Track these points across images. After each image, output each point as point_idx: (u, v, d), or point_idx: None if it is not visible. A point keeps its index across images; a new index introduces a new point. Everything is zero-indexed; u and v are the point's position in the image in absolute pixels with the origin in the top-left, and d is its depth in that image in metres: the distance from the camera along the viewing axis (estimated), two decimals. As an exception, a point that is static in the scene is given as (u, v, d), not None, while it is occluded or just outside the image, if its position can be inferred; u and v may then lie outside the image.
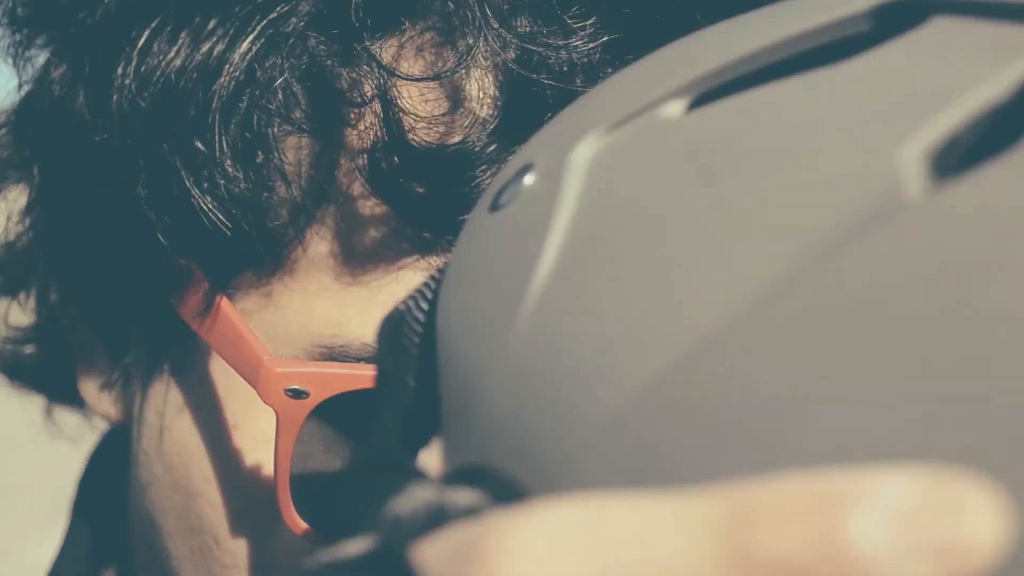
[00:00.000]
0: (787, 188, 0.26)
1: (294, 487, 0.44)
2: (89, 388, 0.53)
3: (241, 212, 0.44)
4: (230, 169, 0.44)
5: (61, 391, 0.58)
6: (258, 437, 0.46)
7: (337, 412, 0.43)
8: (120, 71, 0.45)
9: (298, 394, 0.42)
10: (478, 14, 0.42)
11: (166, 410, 0.49)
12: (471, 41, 0.42)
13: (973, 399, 0.22)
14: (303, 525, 0.44)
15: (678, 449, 0.24)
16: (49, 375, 0.57)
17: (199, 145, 0.44)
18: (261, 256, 0.45)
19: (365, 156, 0.43)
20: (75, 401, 0.57)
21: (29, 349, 0.57)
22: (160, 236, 0.45)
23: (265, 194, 0.44)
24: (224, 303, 0.45)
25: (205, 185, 0.44)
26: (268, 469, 0.45)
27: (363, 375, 0.42)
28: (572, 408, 0.25)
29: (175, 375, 0.49)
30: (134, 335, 0.50)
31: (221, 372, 0.47)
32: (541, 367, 0.26)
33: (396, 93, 0.43)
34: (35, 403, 0.61)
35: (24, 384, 0.59)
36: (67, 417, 0.61)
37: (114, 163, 0.46)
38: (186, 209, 0.44)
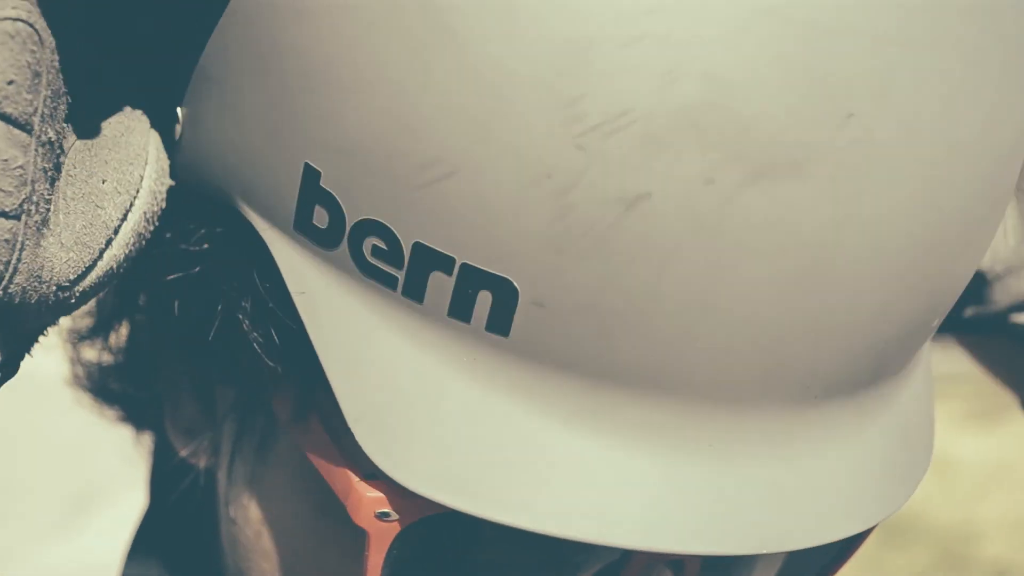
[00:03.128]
0: None
1: None
2: (173, 430, 0.53)
3: None
4: None
5: (146, 421, 0.58)
6: (346, 523, 0.46)
7: (427, 529, 0.44)
8: None
9: (387, 516, 0.43)
10: None
11: (254, 483, 0.50)
12: None
13: None
14: None
15: None
16: (134, 408, 0.58)
17: None
18: None
19: None
20: (158, 429, 0.58)
21: (115, 385, 0.58)
22: (259, 348, 0.46)
23: None
24: (316, 416, 0.45)
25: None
26: (359, 558, 0.46)
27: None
28: None
29: (264, 451, 0.49)
30: (226, 400, 0.51)
31: (305, 458, 0.47)
32: None
33: None
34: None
35: (113, 415, 0.59)
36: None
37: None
38: (285, 332, 0.45)
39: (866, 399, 0.44)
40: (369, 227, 0.40)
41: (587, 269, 0.39)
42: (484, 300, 0.40)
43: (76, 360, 0.58)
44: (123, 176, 0.43)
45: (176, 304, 0.48)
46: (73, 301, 0.41)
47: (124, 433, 0.60)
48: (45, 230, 0.40)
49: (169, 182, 0.45)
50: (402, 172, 0.39)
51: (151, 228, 0.44)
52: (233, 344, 0.47)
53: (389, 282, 0.41)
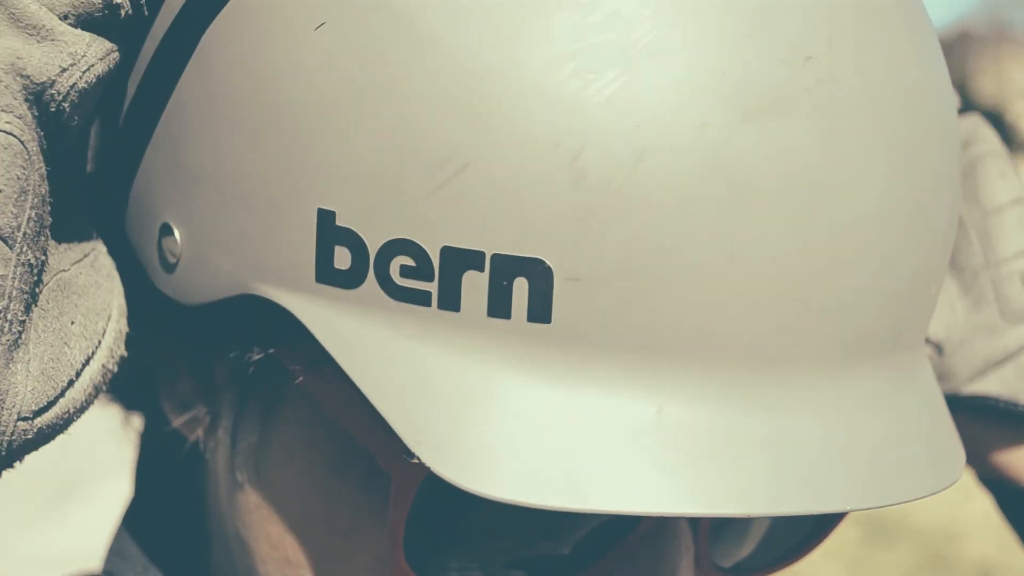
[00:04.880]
0: None
1: (408, 545, 0.45)
2: (169, 404, 0.53)
3: None
4: None
5: (137, 400, 0.58)
6: (360, 480, 0.47)
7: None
8: None
9: (413, 454, 0.42)
10: None
11: (262, 447, 0.49)
12: None
13: None
14: None
15: None
16: (126, 386, 0.57)
17: None
18: None
19: None
20: (148, 409, 0.58)
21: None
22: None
23: None
24: (336, 371, 0.44)
25: None
26: (374, 513, 0.46)
27: None
28: None
29: (270, 413, 0.49)
30: (224, 366, 0.50)
31: (318, 415, 0.47)
32: None
33: None
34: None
35: (103, 396, 0.59)
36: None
37: None
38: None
39: (893, 367, 0.45)
40: (394, 248, 0.41)
41: (611, 231, 0.40)
42: (521, 289, 0.40)
43: None
44: (89, 323, 0.44)
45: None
46: (30, 437, 0.41)
47: (112, 415, 0.59)
48: (15, 353, 0.40)
49: (123, 351, 0.46)
50: (416, 180, 0.40)
51: (105, 384, 0.45)
52: (240, 315, 0.47)
53: (423, 299, 0.41)
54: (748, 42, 0.41)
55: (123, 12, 0.42)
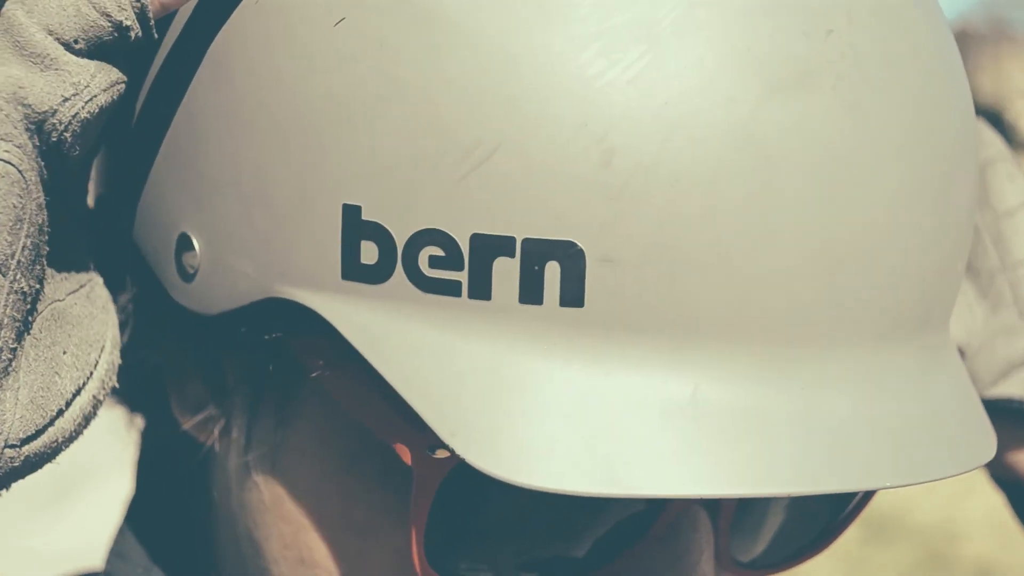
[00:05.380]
0: None
1: (426, 542, 0.44)
2: (180, 407, 0.53)
3: None
4: None
5: (141, 401, 0.58)
6: (377, 477, 0.46)
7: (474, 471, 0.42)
8: None
9: (435, 449, 0.42)
10: None
11: (277, 442, 0.49)
12: None
13: None
14: None
15: None
16: (132, 387, 0.57)
17: None
18: None
19: None
20: (152, 409, 0.57)
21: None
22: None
23: None
24: (355, 366, 0.44)
25: None
26: (390, 511, 0.46)
27: None
28: None
29: (285, 409, 0.49)
30: (235, 368, 0.50)
31: (334, 411, 0.47)
32: None
33: None
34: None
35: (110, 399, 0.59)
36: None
37: None
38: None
39: (923, 347, 0.45)
40: (422, 238, 0.41)
41: (643, 209, 0.40)
42: (552, 273, 0.40)
43: None
44: (82, 354, 0.44)
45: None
46: (17, 465, 0.41)
47: (114, 414, 0.59)
48: (4, 381, 0.40)
49: (115, 383, 0.46)
50: (444, 169, 0.40)
51: (95, 414, 0.45)
52: (254, 317, 0.46)
53: (453, 290, 0.41)
54: (770, 17, 0.41)
55: (133, 35, 0.42)
